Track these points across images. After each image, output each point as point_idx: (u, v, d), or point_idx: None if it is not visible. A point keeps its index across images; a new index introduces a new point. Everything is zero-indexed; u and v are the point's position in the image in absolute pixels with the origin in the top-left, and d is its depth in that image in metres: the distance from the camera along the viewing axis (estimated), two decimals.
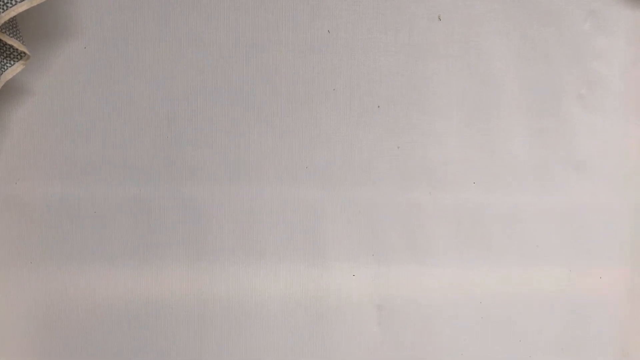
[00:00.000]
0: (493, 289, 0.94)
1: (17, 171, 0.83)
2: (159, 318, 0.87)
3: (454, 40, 0.89)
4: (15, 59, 0.74)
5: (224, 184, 0.87)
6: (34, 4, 0.69)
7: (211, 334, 0.89)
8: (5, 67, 0.73)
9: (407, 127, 0.89)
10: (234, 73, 0.86)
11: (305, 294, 0.90)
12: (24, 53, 0.74)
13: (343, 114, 0.88)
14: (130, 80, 0.84)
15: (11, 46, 0.73)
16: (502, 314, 0.94)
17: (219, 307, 0.88)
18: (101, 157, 0.84)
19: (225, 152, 0.87)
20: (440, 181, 0.91)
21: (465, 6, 0.88)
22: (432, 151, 0.90)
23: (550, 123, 0.92)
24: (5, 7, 0.68)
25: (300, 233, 0.89)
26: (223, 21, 0.85)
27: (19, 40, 0.73)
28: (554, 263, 0.94)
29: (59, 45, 0.82)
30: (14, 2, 0.68)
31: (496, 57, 0.90)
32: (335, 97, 0.88)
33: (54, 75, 0.82)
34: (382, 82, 0.88)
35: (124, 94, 0.84)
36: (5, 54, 0.73)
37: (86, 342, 0.86)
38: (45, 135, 0.83)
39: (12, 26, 0.72)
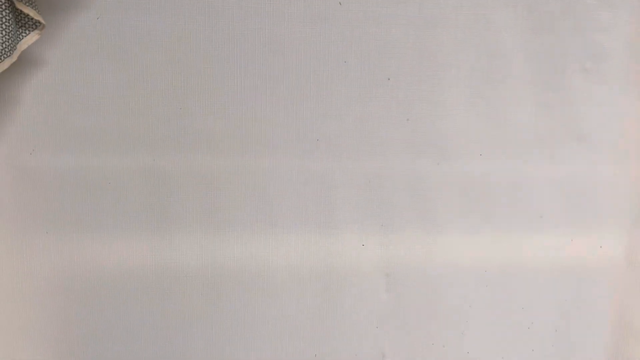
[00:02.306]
0: (497, 257, 0.96)
1: (31, 142, 0.83)
2: (173, 287, 0.89)
3: (463, 13, 0.90)
4: (31, 29, 0.74)
5: (237, 154, 0.88)
6: None
7: (224, 302, 0.90)
8: (21, 37, 0.73)
9: (416, 99, 0.91)
10: (247, 44, 0.86)
11: (316, 263, 0.92)
12: (39, 22, 0.74)
13: (354, 86, 0.89)
14: (143, 51, 0.84)
15: (27, 15, 0.73)
16: (506, 282, 0.97)
17: (232, 275, 0.90)
18: (115, 128, 0.85)
19: (238, 123, 0.87)
20: (448, 152, 0.93)
21: None
22: (441, 123, 0.92)
23: (555, 95, 0.94)
24: None
25: (311, 204, 0.91)
26: None
27: (35, 9, 0.72)
28: (556, 232, 0.97)
29: (72, 15, 0.81)
30: None
31: (503, 29, 0.91)
32: (347, 69, 0.89)
33: (66, 46, 0.82)
34: (393, 55, 0.89)
35: (137, 64, 0.84)
36: (20, 23, 0.73)
37: (101, 311, 0.88)
38: (58, 105, 0.83)
39: None
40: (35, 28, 0.74)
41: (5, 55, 0.69)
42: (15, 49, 0.72)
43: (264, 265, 0.91)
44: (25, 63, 0.80)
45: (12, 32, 0.71)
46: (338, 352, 0.94)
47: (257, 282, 0.91)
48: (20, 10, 0.72)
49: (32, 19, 0.73)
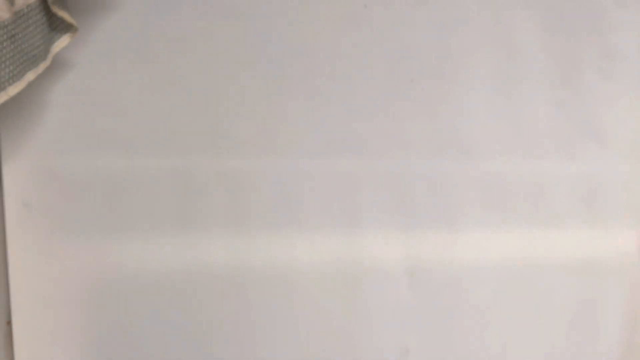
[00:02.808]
0: (515, 254, 0.98)
1: (59, 144, 0.82)
2: (201, 288, 0.89)
3: (484, 14, 0.92)
4: (63, 32, 0.74)
5: (263, 155, 0.88)
6: None
7: (252, 301, 0.91)
8: (54, 40, 0.73)
9: (438, 100, 0.92)
10: (273, 46, 0.87)
11: (341, 262, 0.93)
12: (71, 25, 0.74)
13: (379, 87, 0.90)
14: (170, 53, 0.84)
15: (59, 18, 0.72)
16: (523, 278, 0.99)
17: (259, 275, 0.91)
18: (143, 130, 0.85)
19: (264, 125, 0.88)
20: (470, 151, 0.94)
21: None
22: (462, 122, 0.93)
23: (572, 94, 0.96)
24: None
25: (336, 203, 0.92)
26: None
27: (68, 12, 0.72)
28: (572, 229, 0.99)
29: (100, 18, 0.81)
30: None
31: (522, 30, 0.93)
32: (371, 71, 0.90)
33: (93, 48, 0.81)
34: (416, 56, 0.90)
35: (165, 67, 0.84)
36: (53, 26, 0.73)
37: (129, 314, 0.88)
38: (86, 108, 0.83)
39: None
40: (67, 31, 0.74)
41: (40, 60, 0.69)
42: (49, 52, 0.71)
43: (291, 265, 0.92)
44: (52, 66, 0.79)
45: (47, 36, 0.70)
46: (363, 349, 0.95)
47: (284, 281, 0.92)
48: (53, 13, 0.71)
49: (64, 22, 0.73)
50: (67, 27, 0.74)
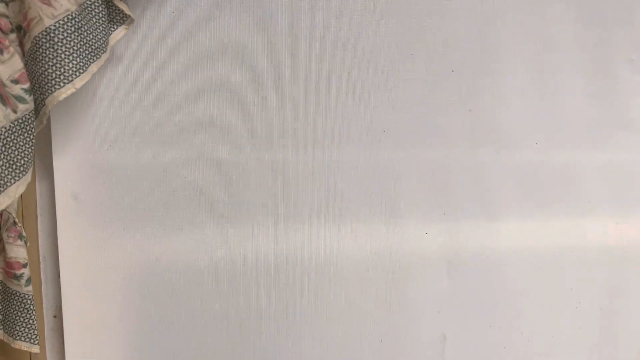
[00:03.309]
0: (549, 241, 1.01)
1: (108, 137, 0.82)
2: (247, 278, 0.90)
3: (521, 7, 0.93)
4: (119, 23, 0.74)
5: (307, 147, 0.89)
6: None
7: (296, 291, 0.92)
8: (111, 32, 0.73)
9: (477, 91, 0.94)
10: (316, 37, 0.87)
11: (382, 251, 0.95)
12: (128, 17, 0.74)
13: (419, 79, 0.91)
14: (217, 45, 0.84)
15: (118, 9, 0.72)
16: (556, 265, 1.02)
17: (303, 264, 0.92)
18: (189, 123, 0.85)
19: (308, 116, 0.89)
20: (507, 141, 0.96)
21: None
22: (500, 113, 0.95)
23: (603, 85, 0.99)
24: None
25: (377, 194, 0.93)
26: None
27: (126, 4, 0.72)
28: (603, 216, 1.02)
29: (147, 10, 0.81)
30: None
31: (557, 22, 0.95)
32: (413, 62, 0.91)
33: (142, 41, 0.81)
34: (456, 48, 0.92)
35: (211, 59, 0.84)
36: (110, 17, 0.72)
37: (176, 305, 0.88)
38: (134, 101, 0.83)
39: None
40: (124, 23, 0.74)
41: (102, 51, 0.69)
42: (108, 44, 0.71)
43: (333, 254, 0.93)
44: None
45: (107, 28, 0.70)
46: (402, 336, 0.97)
47: (326, 270, 0.93)
48: (112, 5, 0.71)
49: (120, 13, 0.73)
50: (123, 19, 0.73)
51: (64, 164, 0.81)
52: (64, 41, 0.63)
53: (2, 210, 0.69)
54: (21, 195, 0.69)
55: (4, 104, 0.62)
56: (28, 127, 0.65)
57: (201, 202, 0.87)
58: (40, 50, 0.63)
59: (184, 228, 0.87)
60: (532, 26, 0.94)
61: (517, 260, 1.00)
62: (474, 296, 0.99)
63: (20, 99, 0.63)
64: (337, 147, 0.90)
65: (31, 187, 0.79)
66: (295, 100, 0.88)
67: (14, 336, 0.74)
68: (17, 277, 0.72)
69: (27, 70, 0.64)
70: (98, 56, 0.69)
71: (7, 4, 0.63)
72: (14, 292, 0.73)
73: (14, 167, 0.65)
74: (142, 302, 0.87)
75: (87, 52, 0.66)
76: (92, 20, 0.67)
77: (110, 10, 0.72)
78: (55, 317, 0.86)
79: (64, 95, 0.66)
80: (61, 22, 0.63)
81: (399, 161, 0.93)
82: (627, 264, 1.05)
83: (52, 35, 0.63)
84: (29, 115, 0.65)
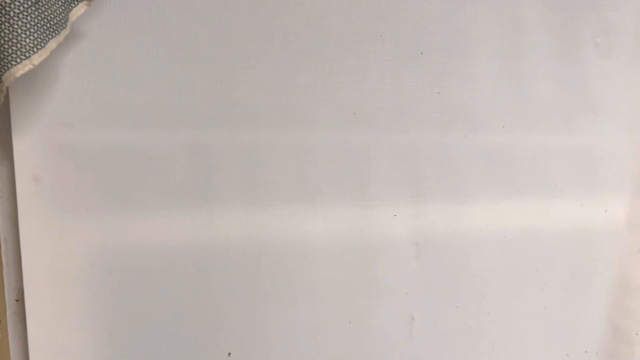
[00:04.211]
0: (516, 223, 1.02)
1: (71, 117, 0.80)
2: (215, 261, 0.89)
3: None
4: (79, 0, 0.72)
5: (276, 128, 0.89)
6: None
7: (263, 275, 0.92)
8: (71, 8, 0.71)
9: (446, 73, 0.94)
10: (286, 19, 0.86)
11: (351, 233, 0.95)
12: None
13: (389, 61, 0.91)
14: (185, 25, 0.82)
15: None
16: (522, 246, 1.03)
17: (272, 249, 0.91)
18: (156, 103, 0.83)
19: (277, 98, 0.88)
20: (475, 124, 0.97)
21: None
22: (469, 96, 0.96)
23: (571, 68, 1.00)
24: None
25: (346, 175, 0.93)
26: None
27: None
28: (568, 198, 1.04)
29: None
30: None
31: (526, 6, 0.96)
32: (382, 44, 0.90)
33: (106, 19, 0.79)
34: (426, 30, 0.92)
35: (178, 37, 0.83)
36: None
37: (142, 287, 0.87)
38: (98, 80, 0.81)
39: None
40: None
41: (61, 27, 0.67)
42: (68, 20, 0.69)
43: (302, 236, 0.93)
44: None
45: (66, 3, 0.68)
46: (371, 317, 0.98)
47: (295, 254, 0.93)
48: None
49: None
50: None
51: (24, 145, 0.79)
52: (20, 15, 0.61)
53: None
54: None
55: None
56: None
57: (168, 184, 0.86)
58: None
59: (149, 210, 0.86)
60: (501, 9, 0.95)
61: (484, 242, 1.01)
62: (442, 277, 1.00)
63: None
64: (306, 128, 0.90)
65: None
66: (264, 82, 0.87)
67: None
68: None
69: None
70: (57, 32, 0.67)
71: None
72: None
73: None
74: (106, 286, 0.86)
75: (45, 27, 0.64)
76: None
77: None
78: (17, 300, 0.85)
79: (21, 72, 0.64)
80: None
81: (368, 143, 0.93)
82: (591, 245, 1.07)
83: (7, 9, 0.61)
84: None
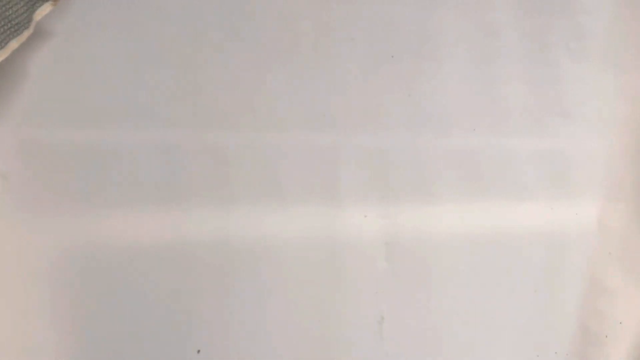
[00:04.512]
0: (486, 226, 1.03)
1: (39, 115, 0.81)
2: (183, 261, 0.90)
3: None
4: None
5: (245, 129, 0.89)
6: None
7: (232, 275, 0.92)
8: (36, 8, 0.71)
9: (417, 76, 0.95)
10: (256, 19, 0.87)
11: (321, 234, 0.95)
12: None
13: (359, 63, 0.92)
14: (153, 22, 0.83)
15: None
16: (493, 248, 1.04)
17: (240, 249, 0.92)
18: (125, 102, 0.84)
19: (247, 98, 0.88)
20: (446, 127, 0.97)
21: None
22: (440, 98, 0.96)
23: (542, 72, 1.00)
24: None
25: (316, 177, 0.93)
26: None
27: None
28: (539, 201, 1.05)
29: None
30: None
31: (499, 9, 0.96)
32: (353, 46, 0.91)
33: (75, 17, 0.79)
34: (397, 32, 0.92)
35: (148, 36, 0.83)
36: None
37: (111, 286, 0.88)
38: (66, 79, 0.81)
39: None
40: None
41: (23, 27, 0.67)
42: (32, 20, 0.70)
43: (271, 237, 0.93)
44: (32, 35, 0.77)
45: (29, 3, 0.69)
46: (341, 316, 0.99)
47: (264, 254, 0.93)
48: None
49: None
50: None
51: None
52: None
53: None
54: None
55: None
56: None
57: (136, 183, 0.86)
58: None
59: (118, 209, 0.86)
60: (473, 12, 0.95)
61: (454, 243, 1.02)
62: (412, 278, 1.01)
63: None
64: (276, 129, 0.90)
65: None
66: (234, 82, 0.88)
67: None
68: None
69: None
70: (19, 32, 0.67)
71: None
72: None
73: None
74: (74, 284, 0.86)
75: (6, 27, 0.64)
76: None
77: None
78: None
79: None
80: None
81: (338, 144, 0.93)
82: (562, 247, 1.08)
83: None
84: None
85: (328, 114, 0.92)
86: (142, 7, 0.82)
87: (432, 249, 1.01)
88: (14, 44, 0.66)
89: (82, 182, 0.84)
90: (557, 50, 1.00)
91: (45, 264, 0.84)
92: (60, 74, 0.80)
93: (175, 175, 0.88)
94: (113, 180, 0.85)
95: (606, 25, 1.01)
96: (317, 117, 0.92)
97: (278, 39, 0.88)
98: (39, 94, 0.80)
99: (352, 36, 0.90)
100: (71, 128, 0.82)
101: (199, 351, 0.93)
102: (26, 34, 0.69)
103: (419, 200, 0.99)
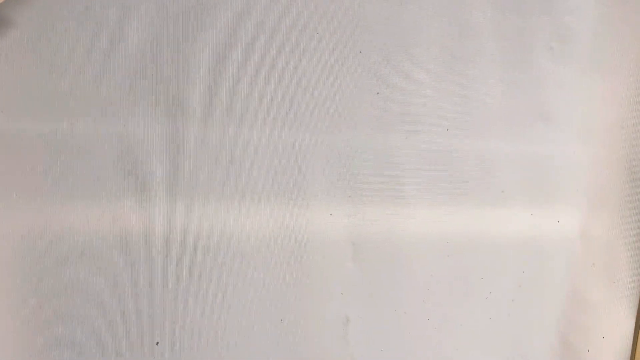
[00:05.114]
0: (460, 229, 1.00)
1: (0, 103, 0.82)
2: (142, 253, 0.90)
3: None
4: None
5: (208, 122, 0.89)
6: None
7: (193, 268, 0.92)
8: None
9: (387, 74, 0.92)
10: (220, 13, 0.86)
11: (284, 231, 0.94)
12: None
13: (326, 58, 0.90)
14: (115, 14, 0.83)
15: None
16: (467, 253, 1.01)
17: (202, 242, 0.92)
18: (85, 92, 0.84)
19: (210, 92, 0.88)
20: (416, 127, 0.95)
21: None
22: (410, 98, 0.94)
23: (521, 74, 0.97)
24: None
25: (280, 173, 0.92)
26: None
27: None
28: (517, 207, 1.01)
29: None
30: None
31: (475, 8, 0.93)
32: (319, 41, 0.90)
33: (35, 6, 0.81)
34: (366, 28, 0.90)
35: (109, 28, 0.84)
36: None
37: (66, 276, 0.88)
38: (27, 68, 0.82)
39: None
40: None
41: None
42: None
43: (233, 233, 0.93)
44: None
45: None
46: (304, 316, 0.97)
47: (225, 249, 0.93)
48: None
49: None
50: None
51: None
52: None
53: None
54: None
55: None
56: None
57: (97, 173, 0.87)
58: None
59: (77, 199, 0.87)
60: (447, 10, 0.93)
61: (425, 246, 0.99)
62: (380, 280, 0.99)
63: None
64: (239, 123, 0.90)
65: None
66: (198, 76, 0.87)
67: None
68: None
69: None
70: None
71: None
72: None
73: None
74: (31, 273, 0.87)
75: None
76: None
77: None
78: None
79: None
80: None
81: (303, 141, 0.92)
82: (542, 256, 1.04)
83: None
84: None
85: (293, 109, 0.91)
86: (103, 1, 0.83)
87: (401, 251, 0.99)
88: None
89: (41, 171, 0.85)
90: (538, 52, 0.97)
91: (4, 253, 0.86)
92: (21, 64, 0.82)
93: (136, 166, 0.88)
94: (73, 169, 0.86)
95: (591, 26, 0.97)
96: (281, 112, 0.91)
97: (240, 32, 0.87)
98: (0, 83, 0.81)
99: (318, 31, 0.89)
100: (32, 118, 0.84)
101: (157, 343, 0.93)
102: None
103: (387, 200, 0.97)
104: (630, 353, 1.07)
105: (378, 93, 0.93)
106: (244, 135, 0.90)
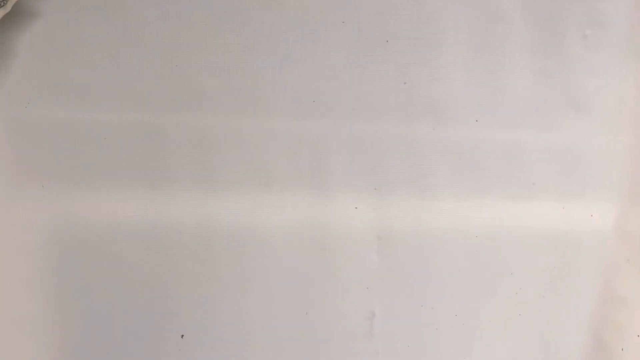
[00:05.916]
0: (488, 223, 0.97)
1: (26, 95, 0.83)
2: (167, 243, 0.90)
3: None
4: None
5: (232, 113, 0.88)
6: None
7: (217, 260, 0.92)
8: None
9: (414, 63, 0.90)
10: (244, 2, 0.85)
11: (309, 224, 0.93)
12: None
13: (351, 48, 0.88)
14: (139, 5, 0.83)
15: None
16: (496, 248, 0.98)
17: (226, 234, 0.91)
18: (110, 83, 0.84)
19: (234, 82, 0.87)
20: (444, 117, 0.92)
21: None
22: (437, 87, 0.91)
23: (553, 62, 0.93)
24: None
25: (305, 165, 0.91)
26: None
27: None
28: (548, 200, 0.98)
29: None
30: None
31: None
32: (345, 30, 0.88)
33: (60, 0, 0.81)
34: (392, 16, 0.88)
35: (134, 19, 0.83)
36: None
37: (93, 266, 0.89)
38: (54, 59, 0.83)
39: None
40: None
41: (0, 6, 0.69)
42: (7, 1, 0.71)
43: (258, 225, 0.92)
44: (19, 15, 0.79)
45: None
46: (329, 311, 0.96)
47: (250, 241, 0.92)
48: None
49: None
50: None
51: None
52: None
53: None
54: None
55: None
56: None
57: (121, 164, 0.87)
58: None
59: (103, 189, 0.87)
60: None
61: (453, 240, 0.97)
62: (406, 274, 0.97)
63: None
64: (262, 114, 0.89)
65: None
66: (221, 65, 0.87)
67: None
68: None
69: None
70: None
71: None
72: None
73: None
74: (57, 263, 0.88)
75: None
76: None
77: None
78: None
79: None
80: None
81: (328, 132, 0.91)
82: (574, 251, 1.00)
83: None
84: None
85: (318, 100, 0.89)
86: None
87: (428, 245, 0.96)
88: None
89: (67, 161, 0.86)
90: (572, 39, 0.93)
91: (32, 239, 0.87)
92: (46, 54, 0.82)
93: (160, 157, 0.88)
94: (98, 160, 0.86)
95: (629, 11, 0.93)
96: (306, 103, 0.89)
97: (264, 22, 0.86)
98: (25, 73, 0.82)
99: (343, 20, 0.87)
100: (57, 108, 0.84)
101: (182, 336, 0.93)
102: (1, 12, 0.70)
103: (414, 193, 0.94)
104: None
105: (405, 82, 0.91)
106: (268, 125, 0.89)
